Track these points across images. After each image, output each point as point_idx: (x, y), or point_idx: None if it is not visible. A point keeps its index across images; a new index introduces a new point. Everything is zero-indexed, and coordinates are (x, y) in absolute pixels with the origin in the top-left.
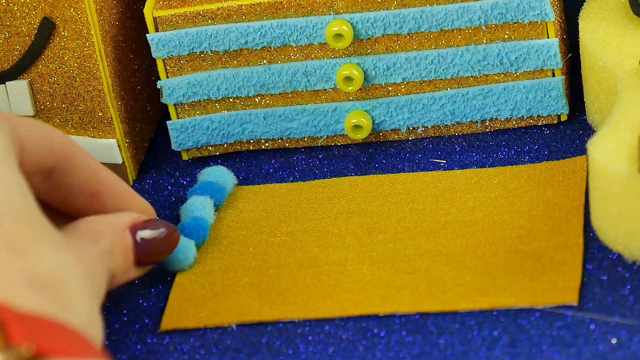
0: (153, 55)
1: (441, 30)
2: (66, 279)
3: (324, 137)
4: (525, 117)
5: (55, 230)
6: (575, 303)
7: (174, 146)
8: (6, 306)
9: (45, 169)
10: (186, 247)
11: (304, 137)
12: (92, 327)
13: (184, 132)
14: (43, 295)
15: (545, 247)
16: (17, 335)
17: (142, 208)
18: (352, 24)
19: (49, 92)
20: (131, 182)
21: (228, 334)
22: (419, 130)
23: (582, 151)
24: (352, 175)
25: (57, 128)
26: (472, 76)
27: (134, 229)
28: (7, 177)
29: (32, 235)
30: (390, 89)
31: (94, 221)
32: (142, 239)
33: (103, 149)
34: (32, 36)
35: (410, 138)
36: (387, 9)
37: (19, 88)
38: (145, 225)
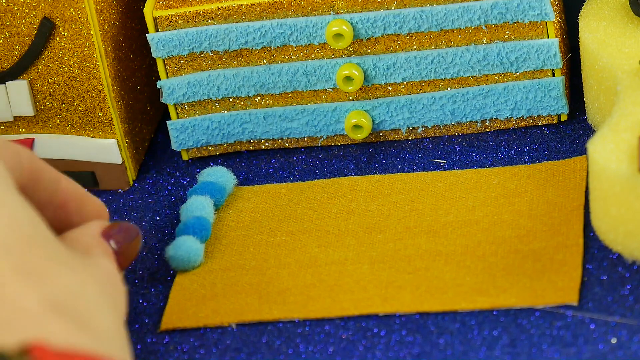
0: (153, 55)
1: (441, 30)
2: (87, 300)
3: (324, 137)
4: (525, 117)
5: (68, 250)
6: (575, 303)
7: (174, 146)
8: (42, 345)
9: (18, 189)
10: (196, 247)
11: (304, 137)
12: (120, 348)
13: (184, 132)
14: (68, 321)
15: (545, 247)
16: None
17: (100, 210)
18: (352, 23)
19: (49, 92)
20: (131, 182)
21: (228, 334)
22: (419, 130)
23: (582, 151)
24: (352, 175)
25: (57, 128)
26: (472, 76)
27: (106, 236)
28: (12, 204)
29: (46, 259)
30: (390, 88)
31: (76, 235)
32: (116, 243)
33: (103, 149)
34: (32, 36)
35: (410, 138)
36: (387, 9)
37: (19, 88)
38: (114, 230)
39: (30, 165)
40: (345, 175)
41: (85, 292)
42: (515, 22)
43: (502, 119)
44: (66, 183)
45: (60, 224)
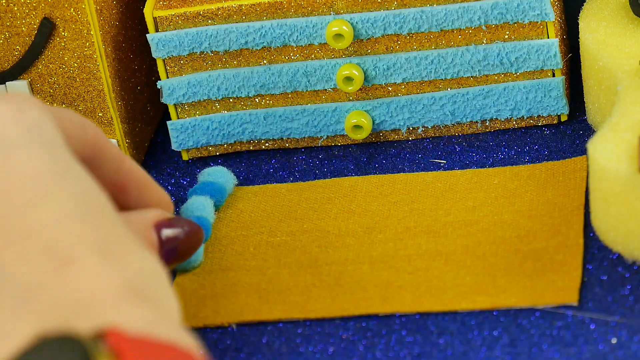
0: (153, 56)
1: (441, 30)
2: (159, 281)
3: (324, 137)
4: (525, 118)
5: (129, 229)
6: (575, 303)
7: (174, 146)
8: (118, 331)
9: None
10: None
11: (304, 137)
12: (189, 336)
13: (184, 132)
14: (147, 307)
15: (546, 247)
16: None
17: (162, 199)
18: (352, 24)
19: (49, 92)
20: None
21: (228, 334)
22: (419, 131)
23: (582, 151)
24: (352, 175)
25: None
26: (472, 76)
27: (158, 227)
28: (77, 172)
29: (116, 235)
30: (390, 89)
31: (130, 219)
32: (167, 237)
33: None
34: (32, 36)
35: (410, 138)
36: (387, 9)
37: (19, 88)
38: (169, 223)
39: (94, 139)
40: (346, 176)
41: (155, 273)
42: (515, 23)
43: (502, 119)
44: (130, 164)
45: (118, 206)
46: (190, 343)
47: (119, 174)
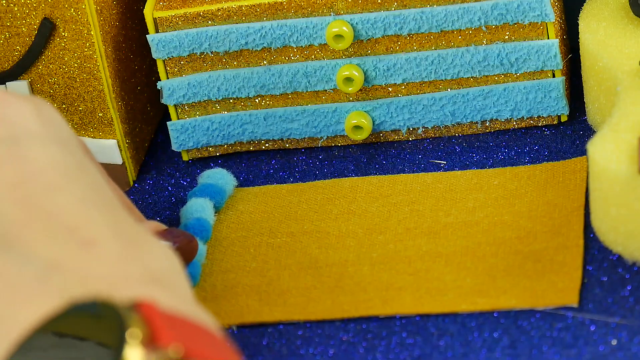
0: (153, 56)
1: (441, 31)
2: (175, 271)
3: (324, 137)
4: (525, 118)
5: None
6: (575, 304)
7: (174, 147)
8: (152, 305)
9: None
10: (200, 249)
11: (304, 138)
12: (208, 319)
13: (184, 133)
14: (163, 290)
15: (546, 248)
16: (164, 336)
17: (158, 226)
18: (352, 24)
19: (49, 92)
20: (131, 183)
21: (228, 336)
22: (419, 131)
23: (582, 152)
24: (352, 176)
25: None
26: (472, 77)
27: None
28: (94, 170)
29: (131, 226)
30: (390, 89)
31: None
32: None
33: (103, 150)
34: (32, 37)
35: (410, 139)
36: (388, 10)
37: (19, 89)
38: (164, 234)
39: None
40: (346, 176)
41: (174, 264)
42: (515, 23)
43: (503, 120)
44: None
45: None
46: (215, 326)
47: (124, 198)
